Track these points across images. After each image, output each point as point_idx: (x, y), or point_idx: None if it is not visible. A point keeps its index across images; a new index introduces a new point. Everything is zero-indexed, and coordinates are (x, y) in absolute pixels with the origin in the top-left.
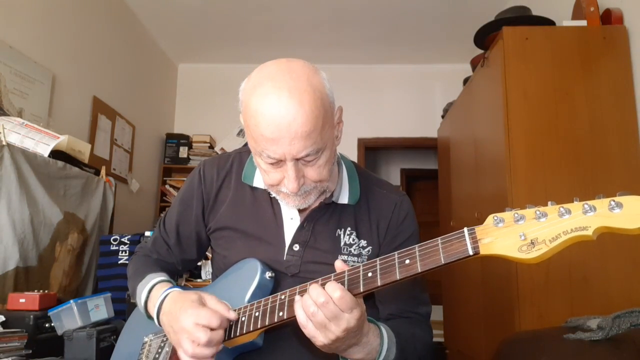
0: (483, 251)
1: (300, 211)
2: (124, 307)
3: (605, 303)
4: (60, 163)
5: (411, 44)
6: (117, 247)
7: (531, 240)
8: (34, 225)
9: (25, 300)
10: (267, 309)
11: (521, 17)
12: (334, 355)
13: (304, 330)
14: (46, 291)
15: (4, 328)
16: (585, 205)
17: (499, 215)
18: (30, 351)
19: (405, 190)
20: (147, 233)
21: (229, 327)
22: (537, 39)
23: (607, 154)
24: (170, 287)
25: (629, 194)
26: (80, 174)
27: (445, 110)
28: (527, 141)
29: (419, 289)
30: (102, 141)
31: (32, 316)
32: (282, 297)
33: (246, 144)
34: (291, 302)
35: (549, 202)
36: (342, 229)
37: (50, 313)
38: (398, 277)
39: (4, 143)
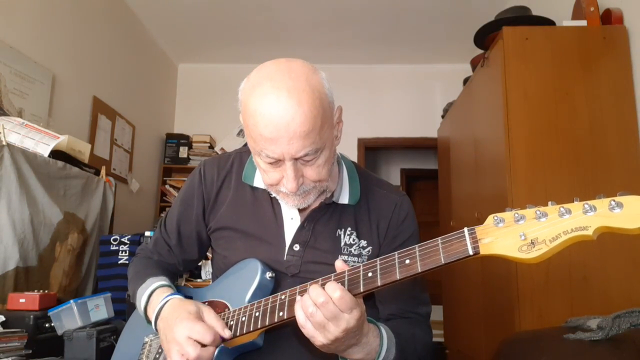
0: (483, 251)
1: (300, 211)
2: (124, 307)
3: (605, 303)
4: (60, 163)
5: (411, 43)
6: (117, 247)
7: (531, 240)
8: (34, 225)
9: (25, 300)
10: (267, 309)
11: (521, 17)
12: (334, 356)
13: (302, 330)
14: (46, 291)
15: (4, 328)
16: (586, 205)
17: (499, 215)
18: (30, 351)
19: (405, 190)
20: (147, 233)
21: (229, 328)
22: (537, 39)
23: (607, 154)
24: (171, 294)
25: (629, 194)
26: (80, 174)
27: (445, 110)
28: (527, 141)
29: (419, 289)
30: (102, 141)
31: (32, 316)
32: (282, 297)
33: (246, 144)
34: (291, 302)
35: (549, 202)
36: (343, 229)
37: (50, 313)
38: (398, 277)
39: (4, 143)
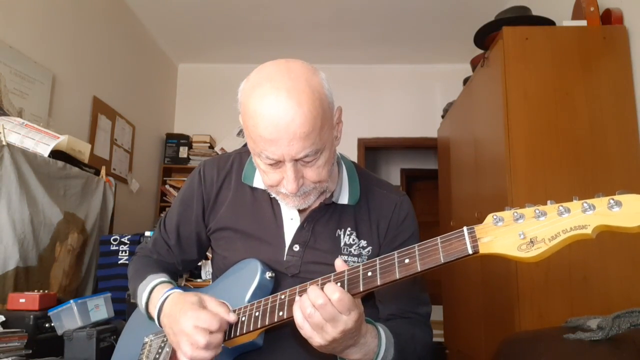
0: (482, 250)
1: (300, 211)
2: (124, 307)
3: (605, 303)
4: (60, 163)
5: (411, 44)
6: (117, 247)
7: (530, 239)
8: (34, 225)
9: (25, 300)
10: (267, 308)
11: (521, 17)
12: (333, 356)
13: (300, 330)
14: (46, 291)
15: (4, 328)
16: (585, 204)
17: (499, 214)
18: (30, 351)
19: (405, 190)
20: (147, 233)
21: (229, 327)
22: (537, 39)
23: (607, 154)
24: (171, 289)
25: (629, 193)
26: (80, 174)
27: (445, 110)
28: (527, 141)
29: (418, 289)
30: (102, 141)
31: (32, 316)
32: (282, 297)
33: (246, 145)
34: (291, 302)
35: (549, 201)
36: (342, 229)
37: (50, 313)
38: (398, 277)
39: (4, 143)
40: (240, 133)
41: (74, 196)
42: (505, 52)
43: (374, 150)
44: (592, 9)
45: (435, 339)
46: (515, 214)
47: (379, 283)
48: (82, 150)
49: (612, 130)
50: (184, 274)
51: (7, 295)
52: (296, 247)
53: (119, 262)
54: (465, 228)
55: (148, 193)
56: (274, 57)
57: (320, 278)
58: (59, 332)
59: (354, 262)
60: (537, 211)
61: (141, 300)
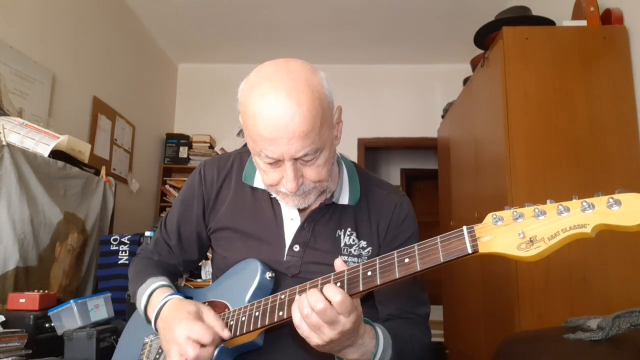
0: (482, 249)
1: (300, 212)
2: (124, 307)
3: (605, 303)
4: (60, 163)
5: (411, 44)
6: (117, 247)
7: (530, 238)
8: (34, 225)
9: (25, 300)
10: (267, 308)
11: (521, 17)
12: (332, 356)
13: (298, 330)
14: (46, 291)
15: (4, 328)
16: (584, 203)
17: (498, 213)
18: (30, 351)
19: (405, 190)
20: (147, 233)
21: (229, 327)
22: (537, 39)
23: (607, 154)
24: (171, 294)
25: (628, 192)
26: (80, 174)
27: (445, 110)
28: (527, 141)
29: (418, 289)
30: (102, 141)
31: (32, 316)
32: (282, 297)
33: (246, 144)
34: (291, 302)
35: (548, 201)
36: (342, 230)
37: (50, 313)
38: (397, 276)
39: (4, 143)
40: (240, 133)
41: (74, 196)
42: (505, 52)
43: (374, 150)
44: (592, 9)
45: (435, 339)
46: (515, 213)
47: (378, 282)
48: (82, 150)
49: (612, 130)
50: (184, 274)
51: (7, 295)
52: (296, 247)
53: (119, 262)
54: (464, 227)
55: (148, 193)
56: (274, 57)
57: (320, 278)
58: (59, 332)
59: (353, 262)
60: (536, 210)
61: (140, 303)
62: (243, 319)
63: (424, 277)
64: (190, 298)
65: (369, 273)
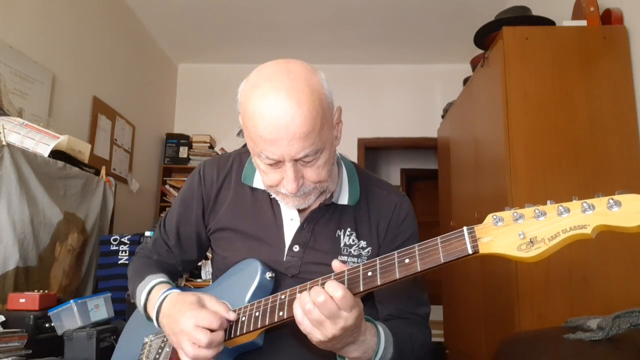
0: (482, 250)
1: (300, 212)
2: (124, 307)
3: (605, 303)
4: (60, 163)
5: (411, 44)
6: (117, 247)
7: (530, 239)
8: (34, 225)
9: (25, 300)
10: (267, 308)
11: (521, 17)
12: (333, 356)
13: (300, 326)
14: (46, 291)
15: (4, 328)
16: (584, 204)
17: (498, 214)
18: (30, 351)
19: (405, 190)
20: (147, 233)
21: (229, 327)
22: (537, 39)
23: (607, 154)
24: (169, 289)
25: (628, 193)
26: (80, 174)
27: (445, 110)
28: (527, 141)
29: (418, 289)
30: (102, 141)
31: (32, 316)
32: (282, 297)
33: (246, 145)
34: (291, 302)
35: (548, 201)
36: (342, 230)
37: (50, 313)
38: (398, 276)
39: (4, 143)
40: (240, 133)
41: (74, 196)
42: (505, 52)
43: (374, 150)
44: (592, 9)
45: (435, 339)
46: (515, 214)
47: (379, 283)
48: (82, 150)
49: (612, 130)
50: (184, 274)
51: (7, 295)
52: (296, 248)
53: (119, 262)
54: (465, 228)
55: (148, 193)
56: (274, 57)
57: (320, 278)
58: (59, 332)
59: (353, 262)
60: (536, 211)
61: (140, 300)
62: (243, 319)
63: (423, 278)
64: None
65: (370, 273)
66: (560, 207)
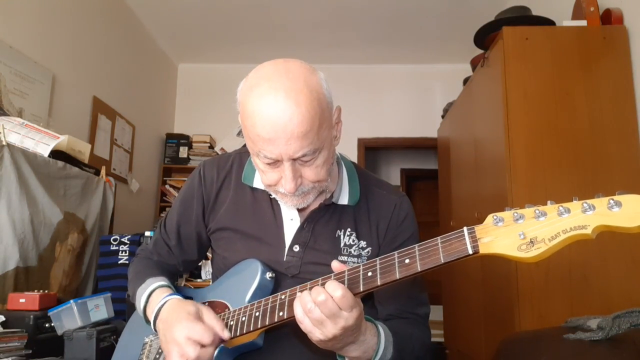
0: (482, 250)
1: (300, 212)
2: (124, 307)
3: (605, 303)
4: (60, 163)
5: (411, 44)
6: (117, 247)
7: (530, 239)
8: (34, 225)
9: (25, 300)
10: (267, 308)
11: (521, 17)
12: (333, 355)
13: (300, 325)
14: (46, 291)
15: (4, 328)
16: (585, 204)
17: (499, 214)
18: (30, 351)
19: (405, 190)
20: (147, 233)
21: (229, 327)
22: (537, 39)
23: (607, 154)
24: (170, 294)
25: (628, 193)
26: (80, 174)
27: (445, 110)
28: (527, 141)
29: (417, 290)
30: (102, 141)
31: (32, 316)
32: (282, 297)
33: (246, 145)
34: (291, 302)
35: (548, 202)
36: (342, 230)
37: (50, 313)
38: (398, 277)
39: (4, 143)
40: (240, 133)
41: (74, 196)
42: (505, 52)
43: (374, 150)
44: (592, 9)
45: (435, 339)
46: (515, 214)
47: (379, 283)
48: (82, 150)
49: (612, 130)
50: (184, 274)
51: (7, 295)
52: (296, 248)
53: (119, 262)
54: (465, 228)
55: (148, 193)
56: (273, 57)
57: (320, 278)
58: (59, 332)
59: (353, 262)
60: (537, 211)
61: (139, 303)
62: (243, 319)
63: (423, 278)
64: (191, 298)
65: (370, 273)
66: (561, 208)
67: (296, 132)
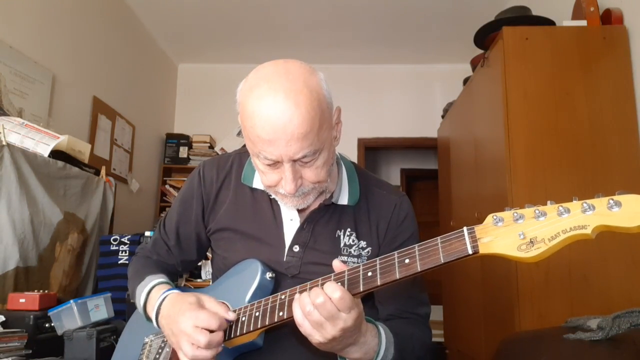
0: (482, 250)
1: (300, 212)
2: (124, 307)
3: (605, 303)
4: (60, 163)
5: (411, 44)
6: (117, 247)
7: (530, 239)
8: (34, 225)
9: (25, 300)
10: (267, 308)
11: (521, 17)
12: (334, 356)
13: (300, 328)
14: (46, 291)
15: (4, 328)
16: (584, 204)
17: (499, 214)
18: (30, 351)
19: (405, 190)
20: (147, 233)
21: (229, 328)
22: (537, 39)
23: (607, 154)
24: (169, 289)
25: (628, 193)
26: (80, 174)
27: (445, 110)
28: (527, 141)
29: (418, 290)
30: (102, 141)
31: (32, 316)
32: (282, 297)
33: (245, 145)
34: (291, 302)
35: (548, 202)
36: (342, 230)
37: (50, 313)
38: (398, 277)
39: (4, 143)
40: (240, 133)
41: (74, 196)
42: (505, 52)
43: (374, 150)
44: (592, 9)
45: (435, 339)
46: (515, 214)
47: (379, 283)
48: (82, 150)
49: (612, 130)
50: (183, 275)
51: (7, 295)
52: (296, 248)
53: (119, 262)
54: (465, 228)
55: (148, 193)
56: (273, 57)
57: (320, 278)
58: (59, 332)
59: (353, 262)
60: (537, 211)
61: (139, 301)
62: (243, 319)
63: (423, 278)
64: None
65: (370, 273)
66: (561, 208)
67: (296, 133)
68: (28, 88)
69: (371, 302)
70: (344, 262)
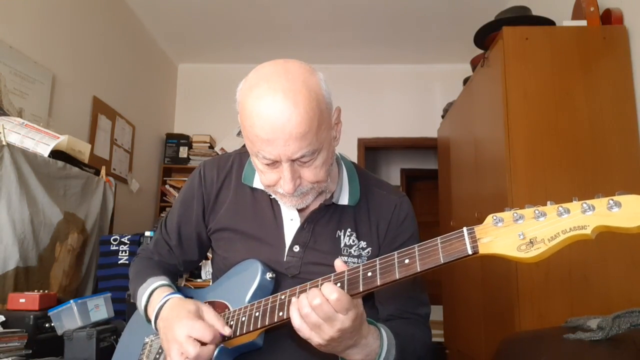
0: (482, 250)
1: (300, 212)
2: (124, 307)
3: (605, 303)
4: (60, 163)
5: (411, 43)
6: (117, 247)
7: (530, 240)
8: (34, 225)
9: (25, 300)
10: (267, 309)
11: (521, 17)
12: (334, 356)
13: (299, 332)
14: (46, 291)
15: (4, 328)
16: (584, 205)
17: (498, 214)
18: (30, 351)
19: (405, 190)
20: (147, 233)
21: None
22: (537, 39)
23: (607, 154)
24: (171, 293)
25: (628, 194)
26: (80, 174)
27: (445, 110)
28: (527, 141)
29: (418, 290)
30: (102, 141)
31: (32, 316)
32: (282, 297)
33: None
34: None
35: (548, 202)
36: (342, 230)
37: (50, 313)
38: (397, 277)
39: (4, 143)
40: (240, 133)
41: (74, 196)
42: (505, 52)
43: (374, 150)
44: (592, 9)
45: (435, 339)
46: (515, 214)
47: (378, 283)
48: (82, 150)
49: (612, 130)
50: (184, 274)
51: (7, 295)
52: (296, 248)
53: (119, 262)
54: (465, 228)
55: (148, 193)
56: (273, 57)
57: (320, 278)
58: (59, 332)
59: (353, 263)
60: (536, 212)
61: (140, 302)
62: (243, 319)
63: (423, 278)
64: (191, 298)
65: (369, 274)
66: (560, 208)
67: (294, 133)
68: (28, 88)
69: (371, 302)
70: (344, 262)
